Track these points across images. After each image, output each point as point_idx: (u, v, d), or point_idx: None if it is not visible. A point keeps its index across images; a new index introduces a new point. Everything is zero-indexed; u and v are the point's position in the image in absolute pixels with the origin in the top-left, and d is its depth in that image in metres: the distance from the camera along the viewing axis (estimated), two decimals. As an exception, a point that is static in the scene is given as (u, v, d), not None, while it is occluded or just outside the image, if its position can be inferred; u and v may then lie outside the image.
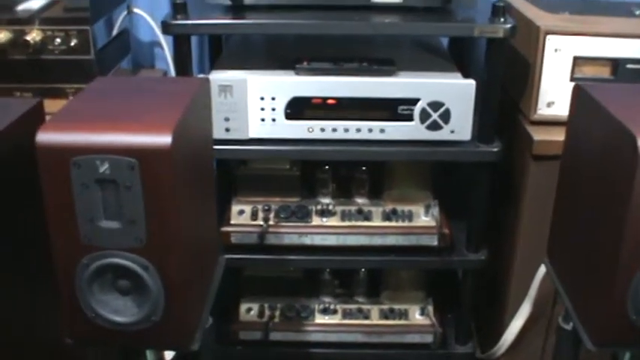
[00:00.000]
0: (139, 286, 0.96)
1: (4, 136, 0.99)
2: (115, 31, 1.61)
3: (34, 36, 1.40)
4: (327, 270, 1.59)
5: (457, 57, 1.66)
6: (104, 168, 0.89)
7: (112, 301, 0.98)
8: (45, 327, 1.16)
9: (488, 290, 1.67)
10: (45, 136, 0.89)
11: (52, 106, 1.28)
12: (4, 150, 1.00)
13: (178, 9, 1.29)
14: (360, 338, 1.56)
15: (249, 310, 1.58)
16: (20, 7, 1.41)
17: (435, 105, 1.34)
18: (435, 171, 1.56)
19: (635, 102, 1.06)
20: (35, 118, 1.10)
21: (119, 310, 0.98)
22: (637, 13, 1.54)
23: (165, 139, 0.87)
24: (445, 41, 1.78)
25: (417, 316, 1.56)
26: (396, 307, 1.58)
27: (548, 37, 1.38)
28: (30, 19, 1.40)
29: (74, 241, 0.93)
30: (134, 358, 1.14)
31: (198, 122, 1.05)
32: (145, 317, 0.97)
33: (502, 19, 1.30)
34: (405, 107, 1.34)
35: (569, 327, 1.18)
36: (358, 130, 1.36)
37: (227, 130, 1.36)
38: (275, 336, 1.56)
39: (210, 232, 1.18)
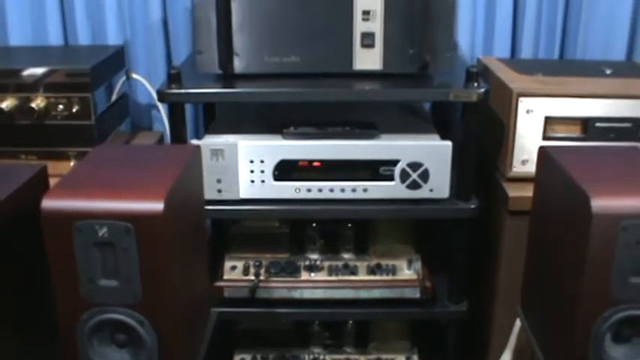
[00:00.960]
0: (135, 339, 1.07)
1: (10, 203, 1.11)
2: (114, 96, 1.75)
3: (38, 102, 1.53)
4: (317, 322, 1.69)
5: (439, 118, 1.79)
6: (103, 232, 1.00)
7: (110, 353, 1.09)
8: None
9: (471, 340, 1.77)
10: (49, 203, 1.00)
11: (55, 168, 1.41)
12: (10, 215, 1.11)
13: (173, 79, 1.42)
14: (349, 387, 1.66)
15: (242, 361, 1.69)
16: (26, 73, 1.54)
17: (414, 165, 1.45)
18: (417, 227, 1.67)
19: (593, 164, 1.18)
20: (39, 182, 1.21)
21: (116, 363, 1.09)
22: (607, 72, 1.66)
23: (157, 206, 0.99)
24: (428, 103, 1.91)
25: (403, 366, 1.67)
26: (384, 357, 1.67)
27: (521, 99, 1.50)
28: (35, 86, 1.53)
29: (75, 298, 1.04)
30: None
31: (189, 187, 1.16)
32: (140, 369, 1.08)
33: (475, 84, 1.42)
34: (386, 168, 1.46)
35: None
36: (342, 190, 1.48)
37: (219, 191, 1.47)
38: (267, 386, 1.66)
39: (202, 288, 1.28)
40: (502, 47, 1.89)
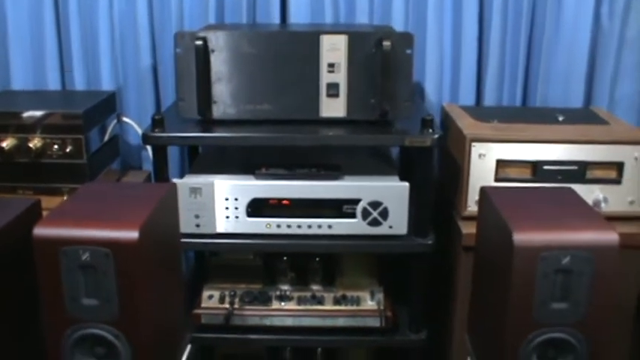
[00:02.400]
0: (112, 352, 1.25)
1: (5, 232, 1.30)
2: (106, 137, 1.95)
3: (35, 143, 1.73)
4: (289, 348, 1.86)
5: (406, 162, 1.99)
6: (85, 256, 1.19)
7: (90, 365, 1.27)
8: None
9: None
10: (40, 231, 1.19)
11: (50, 202, 1.61)
12: (5, 243, 1.30)
13: (157, 123, 1.62)
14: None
15: (218, 385, 1.86)
16: (26, 114, 1.75)
17: (375, 204, 1.64)
18: (380, 261, 1.86)
19: (523, 202, 1.36)
20: (33, 214, 1.41)
21: (96, 374, 1.27)
22: (560, 119, 1.85)
23: (133, 234, 1.18)
24: (397, 148, 2.11)
25: (368, 392, 1.84)
26: (352, 384, 1.85)
27: (474, 144, 1.70)
28: (32, 127, 1.73)
29: (61, 315, 1.22)
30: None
31: (165, 220, 1.35)
32: (117, 380, 1.26)
33: (430, 130, 1.61)
34: (349, 206, 1.65)
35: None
36: (309, 227, 1.66)
37: (197, 225, 1.67)
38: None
39: (176, 313, 1.46)
40: (467, 95, 2.09)
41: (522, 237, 1.21)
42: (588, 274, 1.22)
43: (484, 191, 1.42)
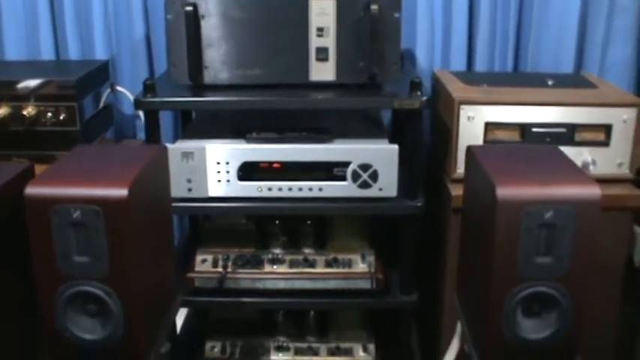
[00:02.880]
0: (104, 309, 1.27)
1: (3, 190, 1.32)
2: (100, 105, 1.97)
3: (29, 111, 1.75)
4: (281, 312, 1.89)
5: (397, 125, 2.00)
6: (77, 214, 1.21)
7: (83, 322, 1.28)
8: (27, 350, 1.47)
9: (426, 328, 1.97)
10: (32, 190, 1.21)
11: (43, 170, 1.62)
12: (3, 201, 1.32)
13: (148, 89, 1.64)
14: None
15: (213, 347, 1.89)
16: (19, 86, 1.77)
17: (365, 167, 1.66)
18: (371, 224, 1.88)
19: (508, 160, 1.38)
20: (27, 178, 1.43)
21: (88, 330, 1.28)
22: (550, 83, 1.87)
23: (122, 192, 1.19)
24: (388, 112, 2.13)
25: (360, 354, 1.86)
26: (342, 345, 1.87)
27: (462, 106, 1.71)
28: (26, 96, 1.75)
29: (53, 273, 1.25)
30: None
31: (155, 180, 1.37)
32: (108, 335, 1.27)
33: (418, 93, 1.63)
34: (339, 169, 1.67)
35: (470, 354, 1.47)
36: (300, 189, 1.68)
37: (189, 189, 1.69)
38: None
39: (167, 274, 1.48)
40: (458, 61, 2.10)
41: (506, 192, 1.23)
42: (571, 228, 1.23)
43: (470, 150, 1.44)
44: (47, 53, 2.08)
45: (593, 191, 1.24)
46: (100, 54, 2.08)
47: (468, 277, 1.49)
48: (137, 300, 1.27)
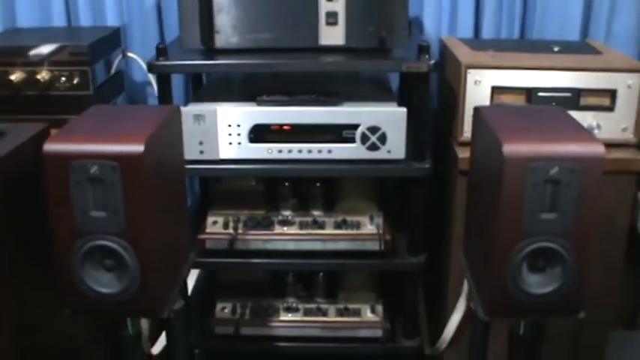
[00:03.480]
0: (120, 263, 1.31)
1: (21, 149, 1.37)
2: (112, 71, 2.00)
3: (43, 75, 1.78)
4: (291, 274, 1.93)
5: (405, 90, 2.03)
6: (94, 169, 1.25)
7: (100, 276, 1.32)
8: (45, 304, 1.52)
9: (433, 289, 2.01)
10: (50, 147, 1.25)
11: (57, 133, 1.66)
12: (21, 160, 1.37)
13: (161, 52, 1.67)
14: (318, 333, 1.91)
15: (223, 308, 1.93)
16: (32, 52, 1.80)
17: (373, 129, 1.69)
18: (380, 186, 1.91)
19: (515, 119, 1.41)
20: (43, 138, 1.47)
21: (105, 284, 1.32)
22: (555, 49, 1.90)
23: (139, 147, 1.23)
24: (396, 77, 2.16)
25: (368, 314, 1.90)
26: (351, 306, 1.91)
27: (469, 70, 1.74)
28: (40, 61, 1.79)
29: (70, 228, 1.28)
30: (118, 331, 1.48)
31: (169, 139, 1.40)
32: (124, 289, 1.31)
33: (426, 56, 1.66)
34: (348, 131, 1.70)
35: (476, 310, 1.51)
36: (310, 152, 1.72)
37: (201, 152, 1.72)
38: (246, 331, 1.90)
39: (181, 233, 1.52)
40: (466, 29, 2.13)
41: (512, 148, 1.26)
42: (575, 185, 1.26)
43: (478, 110, 1.46)
44: (59, 20, 2.11)
45: (597, 149, 1.27)
46: (112, 21, 2.11)
47: (474, 236, 1.53)
48: (152, 254, 1.31)
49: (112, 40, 1.99)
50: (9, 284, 1.37)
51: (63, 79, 1.79)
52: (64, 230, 1.29)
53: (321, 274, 1.92)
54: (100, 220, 1.28)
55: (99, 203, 1.27)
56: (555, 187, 1.27)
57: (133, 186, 1.25)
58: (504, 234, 1.31)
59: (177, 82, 2.12)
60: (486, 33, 2.12)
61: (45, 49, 1.80)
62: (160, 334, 1.96)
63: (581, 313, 1.37)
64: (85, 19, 2.11)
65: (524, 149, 1.26)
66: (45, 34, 2.00)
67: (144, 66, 2.05)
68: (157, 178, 1.31)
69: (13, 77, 1.77)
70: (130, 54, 2.06)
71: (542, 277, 1.35)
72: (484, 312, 1.39)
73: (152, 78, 2.05)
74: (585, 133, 1.33)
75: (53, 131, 1.52)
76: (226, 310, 1.92)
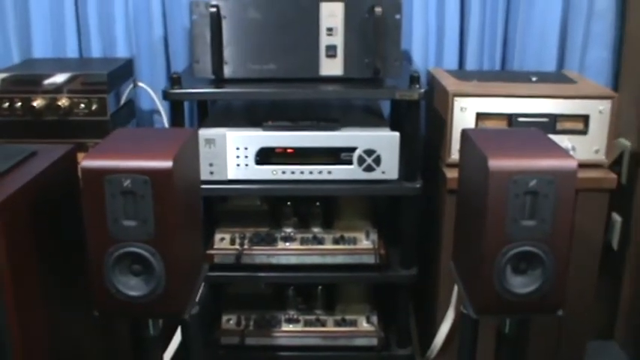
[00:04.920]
0: (147, 268, 1.49)
1: (53, 167, 1.57)
2: (122, 101, 2.20)
3: (63, 102, 1.99)
4: (292, 288, 2.13)
5: (397, 116, 2.26)
6: (127, 183, 1.44)
7: (128, 280, 1.50)
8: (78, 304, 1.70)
9: (423, 301, 2.21)
10: (87, 162, 1.44)
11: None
12: (53, 176, 1.56)
13: (175, 81, 1.88)
14: (317, 342, 2.10)
15: (229, 320, 2.12)
16: (52, 80, 2.00)
17: (369, 152, 1.90)
18: (375, 205, 2.13)
19: (498, 139, 1.62)
20: (72, 157, 1.67)
21: (133, 287, 1.49)
22: (534, 79, 2.13)
23: (168, 163, 1.42)
24: (388, 105, 2.39)
25: (364, 324, 2.10)
26: (348, 317, 2.11)
27: (456, 98, 1.96)
28: (60, 88, 1.99)
29: (104, 235, 1.47)
30: (141, 331, 1.66)
31: (190, 158, 1.60)
32: (150, 291, 1.49)
33: (417, 86, 1.88)
34: (346, 154, 1.91)
35: (466, 311, 1.71)
36: (311, 173, 1.93)
37: (211, 173, 1.92)
38: (250, 341, 2.10)
39: (197, 245, 1.71)
40: (451, 60, 2.36)
41: (496, 163, 1.47)
42: (552, 195, 1.47)
43: (465, 132, 1.68)
44: (71, 51, 2.32)
45: (570, 164, 1.48)
46: (121, 53, 2.32)
47: (462, 246, 1.73)
48: (176, 260, 1.49)
49: (126, 70, 2.20)
50: (42, 293, 1.56)
51: (82, 105, 1.99)
52: (98, 238, 1.46)
53: (320, 287, 2.12)
54: (130, 228, 1.46)
55: (130, 213, 1.45)
56: (534, 198, 1.47)
57: (161, 198, 1.44)
58: (490, 239, 1.51)
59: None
60: (470, 65, 2.36)
61: (64, 77, 2.00)
62: (170, 341, 2.14)
63: (560, 311, 1.57)
64: (96, 51, 2.32)
65: (506, 164, 1.47)
66: (61, 64, 2.21)
67: (153, 95, 2.26)
68: (182, 192, 1.50)
69: (35, 103, 1.97)
70: (140, 84, 2.27)
71: (524, 278, 1.53)
72: (474, 311, 1.59)
73: (160, 106, 2.26)
74: (560, 150, 1.54)
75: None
76: (232, 322, 2.12)
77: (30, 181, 1.48)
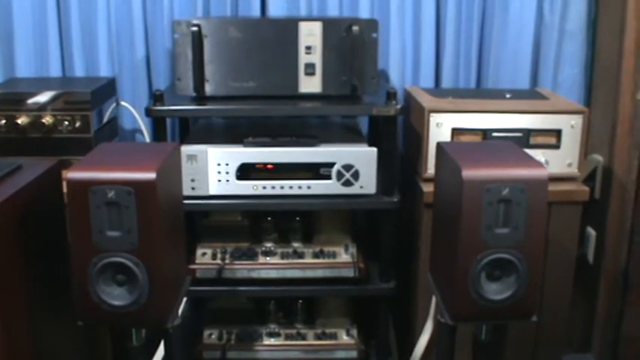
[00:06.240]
0: (131, 278, 1.54)
1: (38, 180, 1.62)
2: (105, 119, 2.25)
3: (48, 119, 2.04)
4: (272, 302, 2.18)
5: (375, 133, 2.33)
6: (111, 194, 1.49)
7: (112, 290, 1.55)
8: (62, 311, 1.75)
9: (402, 313, 2.27)
10: (73, 174, 1.49)
11: (60, 173, 1.91)
12: (38, 189, 1.61)
13: (157, 98, 1.94)
14: (298, 356, 2.14)
15: (210, 335, 2.17)
16: (37, 99, 2.06)
17: (347, 167, 1.97)
18: (353, 219, 2.19)
19: (471, 151, 1.69)
20: (56, 171, 1.72)
21: (116, 297, 1.54)
22: (507, 96, 2.21)
23: (151, 175, 1.48)
24: (366, 122, 2.47)
25: (344, 337, 2.15)
26: (328, 331, 2.16)
27: (432, 114, 2.04)
28: (45, 106, 2.04)
29: (88, 245, 1.51)
30: (124, 342, 1.71)
31: (172, 171, 1.66)
32: (134, 301, 1.54)
33: (394, 102, 1.95)
34: (325, 169, 1.97)
35: (443, 319, 1.76)
36: (291, 187, 1.99)
37: (193, 188, 1.98)
38: (231, 355, 2.14)
39: (180, 257, 1.76)
40: (427, 79, 2.44)
41: (470, 173, 1.54)
42: (524, 203, 1.54)
43: (440, 145, 1.75)
44: (55, 70, 2.38)
45: (541, 172, 1.56)
46: (104, 72, 2.38)
47: (439, 256, 1.79)
48: (160, 270, 1.53)
49: (109, 88, 2.26)
50: (26, 304, 1.60)
51: (66, 122, 2.05)
52: (82, 247, 1.51)
53: (300, 301, 2.17)
54: (115, 239, 1.51)
55: (114, 224, 1.50)
56: (507, 206, 1.54)
57: (145, 209, 1.49)
58: (465, 246, 1.57)
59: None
60: (446, 83, 2.44)
61: (48, 96, 2.05)
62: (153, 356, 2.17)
63: (534, 317, 1.63)
64: (79, 70, 2.38)
65: (480, 173, 1.54)
66: (45, 83, 2.25)
67: (135, 113, 2.31)
68: (165, 203, 1.56)
69: (19, 121, 2.03)
70: (123, 102, 2.32)
71: (499, 285, 1.60)
72: (450, 318, 1.65)
73: (142, 124, 2.31)
74: (531, 160, 1.61)
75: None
76: (213, 336, 2.16)
77: (15, 193, 1.53)
